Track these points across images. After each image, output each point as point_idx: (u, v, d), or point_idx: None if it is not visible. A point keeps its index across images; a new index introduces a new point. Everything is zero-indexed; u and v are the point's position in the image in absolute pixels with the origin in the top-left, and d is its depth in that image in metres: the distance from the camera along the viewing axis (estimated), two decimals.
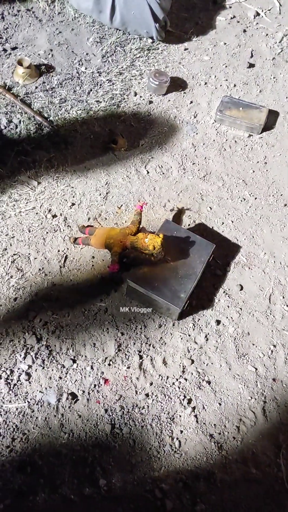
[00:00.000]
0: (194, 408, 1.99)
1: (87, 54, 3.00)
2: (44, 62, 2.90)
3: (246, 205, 2.59)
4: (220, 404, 2.02)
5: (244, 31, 3.44)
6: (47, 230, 2.35)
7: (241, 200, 2.60)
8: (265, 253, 2.45)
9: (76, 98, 2.80)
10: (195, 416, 1.98)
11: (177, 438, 1.92)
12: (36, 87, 2.78)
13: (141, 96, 2.93)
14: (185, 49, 3.23)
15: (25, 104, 2.68)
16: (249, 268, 2.40)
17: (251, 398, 2.05)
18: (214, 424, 1.97)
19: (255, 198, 2.62)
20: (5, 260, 2.23)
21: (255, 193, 2.63)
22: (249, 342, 2.20)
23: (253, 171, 2.71)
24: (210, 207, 2.56)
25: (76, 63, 2.95)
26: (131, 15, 3.01)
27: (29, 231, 2.33)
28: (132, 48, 3.09)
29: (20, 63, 2.76)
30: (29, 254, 2.26)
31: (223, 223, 2.52)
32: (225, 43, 3.34)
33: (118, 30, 3.13)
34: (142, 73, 3.01)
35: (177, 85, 3.02)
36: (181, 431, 1.94)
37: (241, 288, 2.34)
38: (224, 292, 2.32)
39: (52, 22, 3.11)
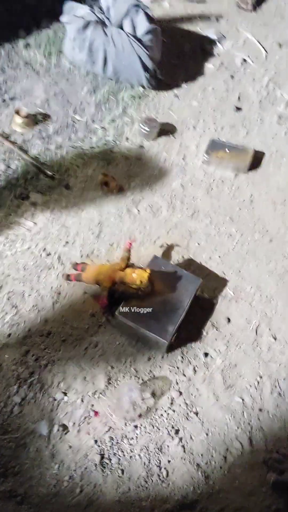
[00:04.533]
0: (181, 438, 2.05)
1: (81, 103, 3.21)
2: (40, 111, 3.11)
3: (233, 241, 2.70)
4: (207, 435, 2.07)
5: (232, 76, 3.65)
6: (41, 268, 2.47)
7: (228, 236, 2.72)
8: (251, 287, 2.54)
9: (71, 144, 2.98)
10: (183, 446, 2.03)
11: (164, 468, 1.96)
12: (33, 135, 2.97)
13: (132, 142, 3.10)
14: (175, 95, 3.43)
15: (23, 150, 2.87)
16: (236, 301, 2.49)
17: (238, 428, 2.10)
18: (201, 454, 2.01)
19: (242, 234, 2.73)
20: (0, 298, 2.34)
21: (241, 230, 2.75)
22: (236, 373, 2.26)
23: (240, 209, 2.84)
24: (198, 243, 2.67)
25: (71, 111, 3.15)
26: (122, 66, 3.24)
27: (24, 269, 2.45)
28: (124, 96, 3.30)
29: (17, 112, 2.96)
30: (24, 291, 2.38)
31: (210, 258, 2.62)
32: (213, 88, 3.54)
33: (110, 80, 3.35)
34: (134, 120, 3.20)
35: (167, 130, 3.20)
36: (169, 461, 1.98)
37: (229, 321, 2.42)
38: (212, 325, 2.40)
39: (49, 73, 3.34)
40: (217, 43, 3.92)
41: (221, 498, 1.92)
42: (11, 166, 2.80)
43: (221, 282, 2.54)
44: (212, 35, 3.97)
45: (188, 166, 3.03)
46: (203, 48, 3.85)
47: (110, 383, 2.15)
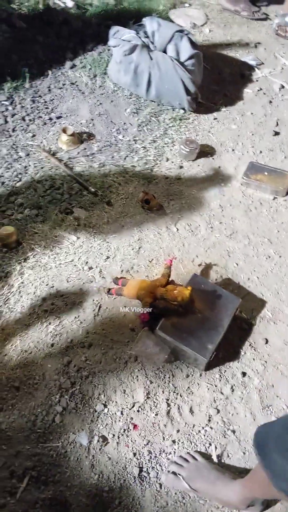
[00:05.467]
0: (218, 455, 2.06)
1: (124, 123, 3.31)
2: (85, 130, 3.22)
3: (271, 262, 2.73)
4: (244, 453, 2.08)
5: (270, 102, 3.73)
6: (83, 281, 2.53)
7: (266, 258, 2.75)
8: None
9: (114, 163, 3.08)
10: (220, 463, 2.04)
11: None
12: (78, 153, 3.08)
13: (172, 162, 3.18)
14: (214, 119, 3.52)
15: (68, 167, 2.97)
16: (274, 322, 2.51)
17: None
18: (238, 472, 2.02)
19: (280, 256, 2.76)
20: (45, 308, 2.40)
21: (279, 252, 2.78)
22: (273, 394, 2.27)
23: (278, 231, 2.88)
24: (236, 263, 2.71)
25: (114, 131, 3.25)
26: (165, 89, 3.34)
27: (67, 282, 2.52)
28: (165, 118, 3.40)
29: (64, 131, 3.07)
30: (66, 303, 2.44)
31: (249, 278, 2.66)
32: (252, 113, 3.61)
33: (153, 102, 3.46)
34: (174, 141, 3.29)
35: (206, 151, 3.27)
36: None
37: (266, 342, 2.44)
38: (249, 345, 2.42)
39: (94, 94, 3.46)
40: (256, 69, 4.02)
41: None
42: (56, 182, 2.89)
43: (259, 303, 2.57)
44: (250, 61, 4.07)
45: (226, 187, 3.09)
46: (242, 74, 3.94)
47: (149, 397, 2.18)
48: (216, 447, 2.09)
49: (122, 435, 2.07)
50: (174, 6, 4.53)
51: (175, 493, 1.95)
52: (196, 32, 4.26)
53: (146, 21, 3.46)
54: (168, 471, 1.98)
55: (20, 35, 3.60)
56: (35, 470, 1.94)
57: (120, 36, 3.39)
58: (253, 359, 2.37)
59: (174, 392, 2.22)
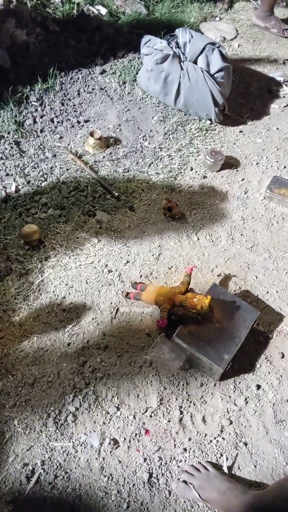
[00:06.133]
0: (229, 467, 2.04)
1: (151, 130, 3.34)
2: (112, 135, 3.25)
3: None
4: (255, 466, 2.06)
5: None
6: (102, 283, 2.54)
7: (286, 273, 2.74)
8: None
9: (138, 169, 3.10)
10: (230, 475, 2.02)
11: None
12: (104, 157, 3.10)
13: (196, 171, 3.19)
14: (240, 132, 3.53)
15: (93, 171, 2.99)
16: None
17: (287, 464, 2.08)
18: (249, 485, 2.00)
19: None
20: (63, 307, 2.41)
21: None
22: (287, 409, 2.25)
23: None
24: (256, 276, 2.70)
25: (140, 138, 3.27)
26: (193, 99, 3.36)
27: (87, 283, 2.53)
28: (191, 128, 3.42)
29: (91, 134, 3.10)
30: (85, 303, 2.45)
31: (267, 292, 2.64)
32: (277, 128, 3.62)
33: (180, 111, 3.48)
34: (199, 151, 3.30)
35: (231, 163, 3.28)
36: None
37: (283, 356, 2.42)
38: (265, 358, 2.40)
39: (122, 100, 3.50)
40: (283, 85, 4.03)
41: None
42: (81, 184, 2.92)
43: (277, 317, 2.55)
44: (278, 77, 4.09)
45: (249, 200, 3.09)
46: (269, 89, 3.96)
47: (162, 404, 2.17)
48: (227, 458, 2.07)
49: (134, 439, 2.06)
50: (205, 19, 4.58)
51: (184, 501, 1.93)
52: (226, 46, 4.29)
53: (178, 31, 3.50)
54: (179, 479, 1.96)
55: (53, 38, 3.65)
56: (44, 469, 1.94)
57: (152, 45, 3.43)
58: (269, 372, 2.36)
59: (187, 400, 2.21)
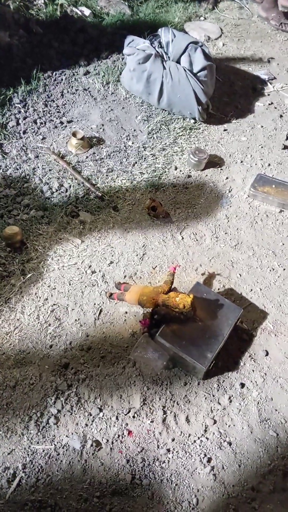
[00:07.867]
0: (213, 467, 2.02)
1: (134, 130, 3.33)
2: (95, 135, 3.24)
3: (274, 275, 2.71)
4: (239, 466, 2.04)
5: (281, 116, 3.73)
6: (86, 284, 2.52)
7: (270, 270, 2.73)
8: None
9: (122, 168, 3.08)
10: (214, 475, 2.00)
11: (195, 495, 1.94)
12: (87, 157, 3.09)
13: (181, 171, 3.18)
14: (224, 130, 3.52)
15: (76, 171, 2.98)
16: (275, 335, 2.48)
17: (271, 463, 2.07)
18: (233, 485, 1.98)
19: (284, 269, 2.74)
20: (45, 309, 2.40)
21: (283, 264, 2.76)
22: (272, 407, 2.24)
23: (283, 244, 2.86)
24: (239, 274, 2.69)
25: (124, 137, 3.26)
26: (177, 98, 3.35)
27: (70, 284, 2.51)
28: (175, 127, 3.41)
29: (74, 134, 3.09)
30: (68, 305, 2.43)
31: (251, 290, 2.63)
32: (262, 126, 3.62)
33: (164, 111, 3.47)
34: (183, 150, 3.29)
35: (215, 162, 3.28)
36: (198, 489, 1.96)
37: (267, 354, 2.41)
38: (249, 356, 2.39)
39: (106, 100, 3.48)
40: (268, 83, 4.03)
41: None
42: (64, 185, 2.90)
43: (261, 315, 2.54)
44: (263, 75, 4.09)
45: (233, 198, 3.08)
46: (254, 88, 3.96)
47: (146, 404, 2.15)
48: (211, 458, 2.05)
49: (116, 440, 2.05)
50: (190, 19, 4.57)
51: (167, 503, 1.91)
52: (210, 45, 4.29)
53: (161, 31, 3.49)
54: None
55: (37, 40, 3.64)
56: (26, 472, 1.92)
57: (135, 45, 3.42)
58: (253, 370, 2.35)
59: (171, 399, 2.19)
